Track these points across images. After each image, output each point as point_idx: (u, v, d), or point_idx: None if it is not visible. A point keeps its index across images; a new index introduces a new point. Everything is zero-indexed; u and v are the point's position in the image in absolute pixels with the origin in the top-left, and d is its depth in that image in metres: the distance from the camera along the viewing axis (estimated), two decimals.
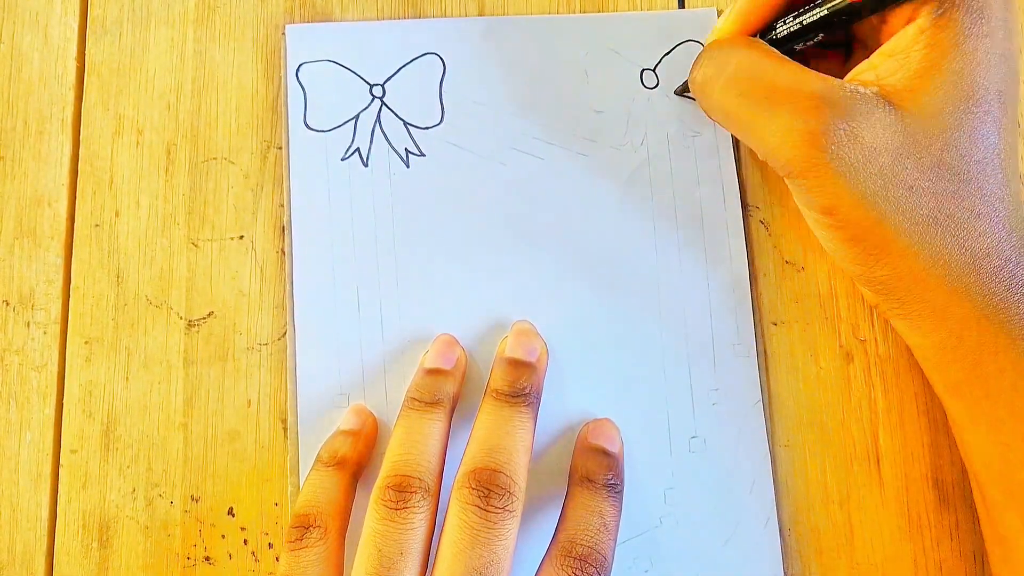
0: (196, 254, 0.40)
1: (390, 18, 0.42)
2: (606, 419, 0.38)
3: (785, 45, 0.36)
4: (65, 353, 0.39)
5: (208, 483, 0.38)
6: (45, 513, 0.38)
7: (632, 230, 0.40)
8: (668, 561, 0.37)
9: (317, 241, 0.40)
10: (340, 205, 0.40)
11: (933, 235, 0.32)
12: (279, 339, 0.39)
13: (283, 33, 0.42)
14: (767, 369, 0.39)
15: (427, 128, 0.41)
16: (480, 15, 0.42)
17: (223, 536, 0.38)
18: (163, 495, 0.38)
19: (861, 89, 0.33)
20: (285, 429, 0.38)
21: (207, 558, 0.38)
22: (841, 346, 0.40)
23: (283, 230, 0.40)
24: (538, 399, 0.36)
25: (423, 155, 0.40)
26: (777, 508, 0.38)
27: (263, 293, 0.40)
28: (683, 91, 0.41)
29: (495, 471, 0.33)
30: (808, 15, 0.35)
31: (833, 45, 0.39)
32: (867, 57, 0.35)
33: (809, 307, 0.40)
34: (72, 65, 0.42)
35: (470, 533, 0.32)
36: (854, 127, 0.32)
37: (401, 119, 0.41)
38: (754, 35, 0.37)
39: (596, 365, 0.39)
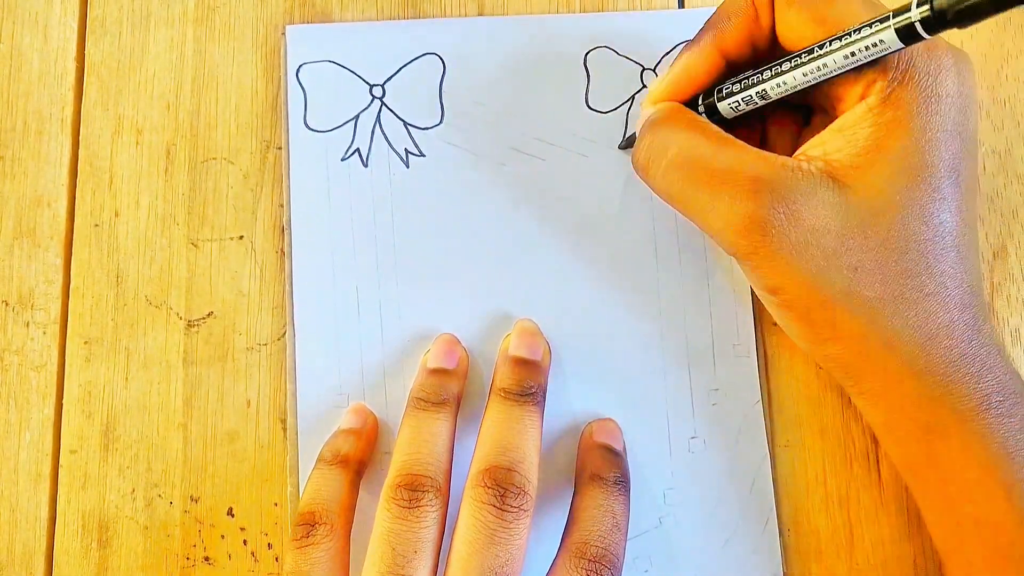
0: (196, 254, 0.40)
1: (390, 18, 0.42)
2: (609, 418, 0.38)
3: (724, 116, 0.36)
4: (65, 353, 0.39)
5: (207, 483, 0.38)
6: (45, 513, 0.38)
7: (632, 231, 0.40)
8: (668, 561, 0.37)
9: (317, 241, 0.40)
10: (340, 205, 0.40)
11: (881, 316, 0.32)
12: (279, 339, 0.39)
13: (283, 33, 0.41)
14: (767, 370, 0.39)
15: (427, 128, 0.41)
16: (480, 15, 0.42)
17: (222, 536, 0.38)
18: (162, 495, 0.38)
19: (804, 166, 0.32)
20: (285, 429, 0.38)
21: (206, 558, 0.38)
22: None
23: (283, 230, 0.40)
24: (544, 397, 0.36)
25: (423, 155, 0.40)
26: (777, 508, 0.38)
27: (263, 293, 0.40)
28: (627, 146, 0.40)
29: (510, 470, 0.33)
30: (747, 91, 0.35)
31: (792, 107, 0.38)
32: (825, 125, 0.34)
33: None
34: (72, 65, 0.42)
35: (486, 532, 0.32)
36: (795, 209, 0.31)
37: (401, 119, 0.41)
38: (689, 100, 0.36)
39: (596, 366, 0.39)
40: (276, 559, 0.38)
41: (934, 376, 0.31)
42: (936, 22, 0.29)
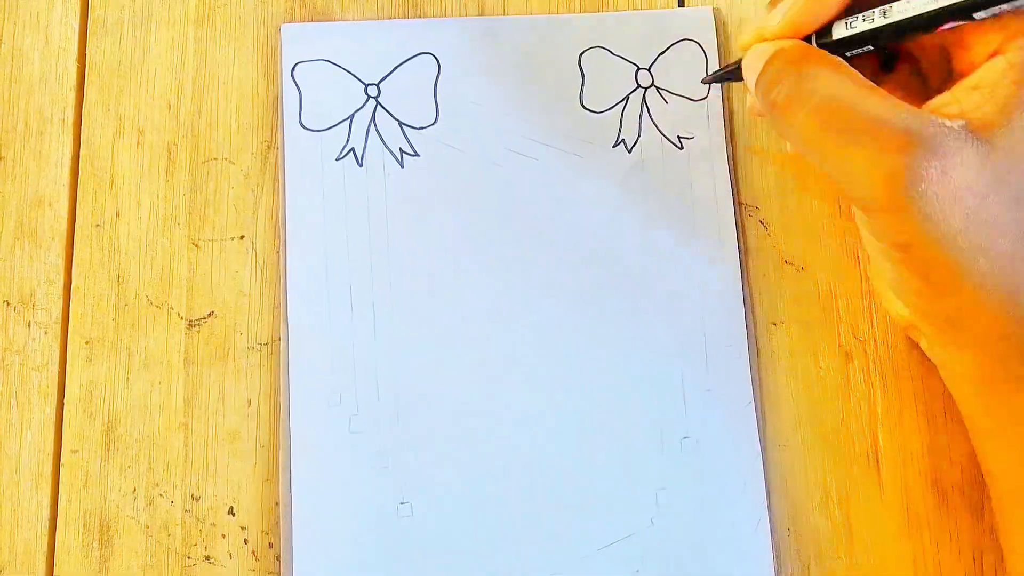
0: (196, 254, 0.40)
1: (390, 18, 0.42)
2: None
3: (838, 51, 0.34)
4: (66, 353, 0.39)
5: (208, 483, 0.38)
6: (46, 513, 0.38)
7: (626, 231, 0.40)
8: (658, 562, 0.37)
9: (311, 240, 0.40)
10: (334, 204, 0.40)
11: (1011, 271, 0.31)
12: (280, 339, 0.39)
13: (281, 32, 0.41)
14: (766, 369, 0.39)
15: (422, 128, 0.41)
16: (480, 15, 0.42)
17: (223, 536, 0.38)
18: (163, 495, 0.38)
19: (948, 123, 0.31)
20: (288, 429, 0.38)
21: (207, 557, 0.38)
22: (841, 346, 0.39)
23: (284, 227, 0.40)
24: None
25: (417, 155, 0.40)
26: (776, 508, 0.38)
27: (264, 293, 0.40)
28: (716, 79, 0.40)
29: None
30: (875, 22, 0.33)
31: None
32: (917, 75, 0.34)
33: (809, 307, 0.40)
34: (73, 66, 0.42)
35: None
36: (944, 165, 0.30)
37: (396, 119, 0.41)
38: (809, 37, 0.35)
39: (588, 365, 0.39)
40: (278, 558, 0.38)
41: None
42: None
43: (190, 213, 0.40)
